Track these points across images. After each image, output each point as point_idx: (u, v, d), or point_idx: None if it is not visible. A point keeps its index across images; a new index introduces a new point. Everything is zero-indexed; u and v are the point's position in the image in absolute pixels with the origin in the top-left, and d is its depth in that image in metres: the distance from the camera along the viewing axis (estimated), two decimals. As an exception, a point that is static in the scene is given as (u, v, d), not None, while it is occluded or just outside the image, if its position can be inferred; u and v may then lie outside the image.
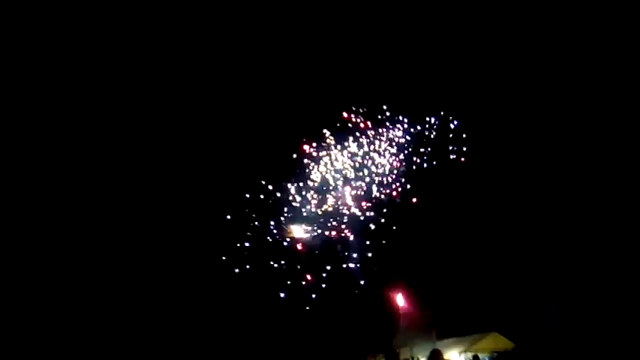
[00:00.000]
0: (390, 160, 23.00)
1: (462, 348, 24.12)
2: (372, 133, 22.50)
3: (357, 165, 22.34)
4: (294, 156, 21.65)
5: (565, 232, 22.31)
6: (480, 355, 20.61)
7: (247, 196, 21.74)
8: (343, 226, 22.75)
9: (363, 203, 22.82)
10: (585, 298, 20.17)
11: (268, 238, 22.44)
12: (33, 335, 20.29)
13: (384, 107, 22.50)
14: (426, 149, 23.31)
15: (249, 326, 23.44)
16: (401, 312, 23.06)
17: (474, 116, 23.24)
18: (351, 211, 22.62)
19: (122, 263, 22.53)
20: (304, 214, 22.16)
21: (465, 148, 23.05)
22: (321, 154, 21.99)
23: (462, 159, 22.93)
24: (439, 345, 22.31)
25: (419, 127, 23.09)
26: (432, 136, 23.33)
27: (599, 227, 21.28)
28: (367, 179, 22.58)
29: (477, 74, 23.39)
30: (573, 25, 21.61)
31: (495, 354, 22.81)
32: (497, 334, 23.60)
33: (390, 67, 23.21)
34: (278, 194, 21.96)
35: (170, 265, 22.73)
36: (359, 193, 22.63)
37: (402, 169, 23.14)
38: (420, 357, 21.96)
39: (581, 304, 20.00)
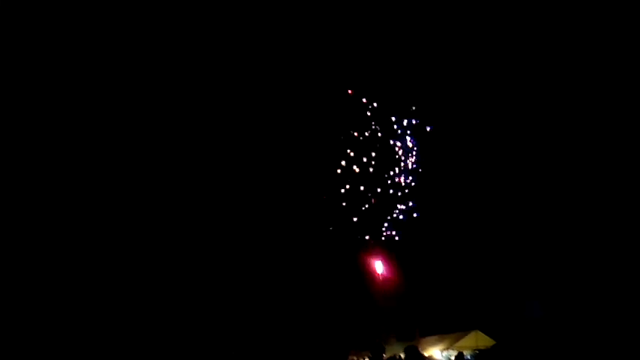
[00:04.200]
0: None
1: (444, 346, 24.09)
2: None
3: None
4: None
5: (548, 229, 22.43)
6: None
7: None
8: None
9: None
10: (569, 295, 20.27)
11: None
12: (32, 335, 19.84)
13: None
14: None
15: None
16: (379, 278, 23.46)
17: (461, 111, 23.37)
18: None
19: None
20: None
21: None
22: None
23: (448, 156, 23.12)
24: (421, 343, 22.27)
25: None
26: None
27: (582, 224, 21.42)
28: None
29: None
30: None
31: (477, 351, 22.81)
32: (479, 331, 23.60)
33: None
34: None
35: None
36: None
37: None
38: (402, 355, 21.87)
39: (565, 302, 20.09)
